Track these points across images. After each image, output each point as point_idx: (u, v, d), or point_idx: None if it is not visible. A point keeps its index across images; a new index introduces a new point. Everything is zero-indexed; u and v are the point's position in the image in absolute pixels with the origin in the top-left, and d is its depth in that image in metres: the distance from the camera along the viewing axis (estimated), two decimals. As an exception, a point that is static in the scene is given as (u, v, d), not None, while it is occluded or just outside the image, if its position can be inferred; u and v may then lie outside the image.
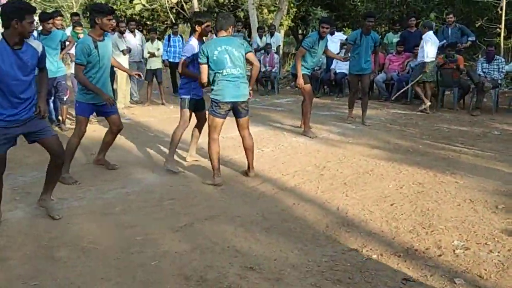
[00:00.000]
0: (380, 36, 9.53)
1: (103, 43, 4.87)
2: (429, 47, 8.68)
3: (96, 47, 4.77)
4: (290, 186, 4.82)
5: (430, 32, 8.89)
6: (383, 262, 3.26)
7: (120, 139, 6.76)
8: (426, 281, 3.00)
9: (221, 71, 4.69)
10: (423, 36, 8.81)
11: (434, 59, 8.87)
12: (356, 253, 3.40)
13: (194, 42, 5.19)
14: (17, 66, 3.56)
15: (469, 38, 10.00)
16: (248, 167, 5.10)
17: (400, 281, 2.99)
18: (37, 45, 3.75)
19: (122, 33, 9.23)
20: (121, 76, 9.13)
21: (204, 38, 5.38)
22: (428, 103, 8.78)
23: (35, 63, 3.71)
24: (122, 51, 8.84)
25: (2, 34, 3.57)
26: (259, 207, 4.24)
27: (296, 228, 3.82)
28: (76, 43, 5.43)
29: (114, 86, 9.14)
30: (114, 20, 5.01)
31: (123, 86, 9.36)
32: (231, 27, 4.84)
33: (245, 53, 4.80)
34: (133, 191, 4.63)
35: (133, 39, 9.87)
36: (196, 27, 5.18)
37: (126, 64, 9.14)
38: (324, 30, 6.78)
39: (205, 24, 5.14)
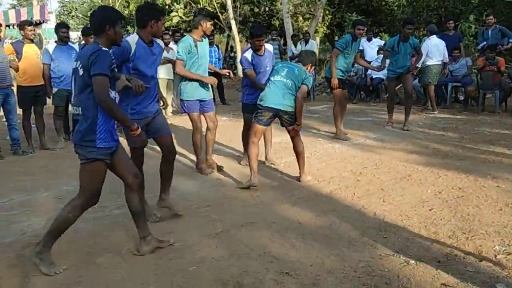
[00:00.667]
0: (418, 40, 9.44)
1: (202, 44, 5.22)
2: (432, 51, 9.14)
3: (196, 46, 5.11)
4: (326, 192, 4.82)
5: (433, 37, 9.34)
6: (421, 267, 3.21)
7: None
8: (466, 287, 2.93)
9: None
10: (426, 41, 9.17)
11: (438, 62, 9.29)
12: (393, 258, 3.36)
13: (248, 53, 5.66)
14: (151, 62, 3.94)
15: (510, 40, 9.69)
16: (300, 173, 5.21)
17: (439, 287, 2.94)
18: (159, 41, 4.14)
19: (166, 44, 9.46)
20: (162, 85, 9.31)
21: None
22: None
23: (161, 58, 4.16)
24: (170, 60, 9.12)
25: (137, 33, 3.89)
26: (295, 213, 4.25)
27: (332, 234, 3.81)
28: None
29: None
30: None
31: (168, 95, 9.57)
32: (310, 66, 5.19)
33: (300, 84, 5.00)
34: (170, 198, 4.71)
35: None
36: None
37: (171, 74, 9.38)
38: (360, 31, 6.78)
39: (258, 39, 5.51)
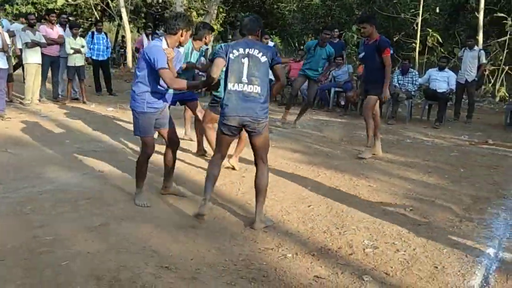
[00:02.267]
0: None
1: (197, 54, 5.78)
2: None
3: (191, 53, 5.65)
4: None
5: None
6: (297, 261, 3.34)
7: (34, 136, 6.48)
8: (336, 278, 3.11)
9: None
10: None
11: None
12: (272, 252, 3.46)
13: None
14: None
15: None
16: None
17: (313, 279, 3.09)
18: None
19: (32, 26, 8.81)
20: (31, 72, 8.62)
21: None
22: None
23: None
24: (26, 43, 8.49)
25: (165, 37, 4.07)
26: (178, 208, 4.21)
27: (215, 228, 3.83)
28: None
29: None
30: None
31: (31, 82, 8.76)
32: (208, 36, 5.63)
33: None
34: (45, 190, 4.42)
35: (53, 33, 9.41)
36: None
37: (38, 57, 8.68)
38: (326, 36, 7.47)
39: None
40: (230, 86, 3.75)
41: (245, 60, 3.76)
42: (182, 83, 4.09)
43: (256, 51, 3.78)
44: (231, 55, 3.77)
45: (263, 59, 3.78)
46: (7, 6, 16.32)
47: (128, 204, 4.23)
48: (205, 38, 5.65)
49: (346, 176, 5.39)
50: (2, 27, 7.52)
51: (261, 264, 3.26)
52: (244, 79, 3.74)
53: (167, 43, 4.02)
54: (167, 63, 3.94)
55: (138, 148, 6.15)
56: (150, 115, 4.10)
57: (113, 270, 3.03)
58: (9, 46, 7.97)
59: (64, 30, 9.75)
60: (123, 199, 4.33)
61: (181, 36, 4.03)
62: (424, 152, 6.82)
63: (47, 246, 3.31)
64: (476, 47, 9.88)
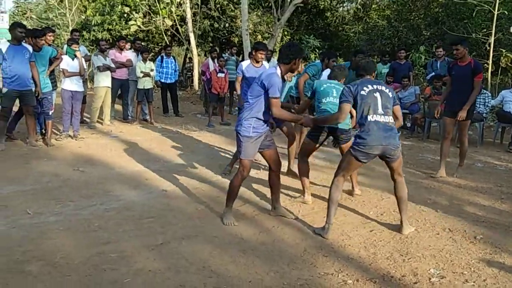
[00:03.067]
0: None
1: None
2: None
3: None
4: (271, 208, 4.80)
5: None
6: (358, 287, 3.23)
7: (104, 155, 6.76)
8: (399, 308, 2.98)
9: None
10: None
11: None
12: (332, 277, 3.38)
13: (245, 63, 6.56)
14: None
15: (458, 72, 10.14)
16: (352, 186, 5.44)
17: (374, 307, 2.97)
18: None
19: (103, 51, 9.30)
20: (100, 94, 9.04)
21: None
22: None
23: None
24: (98, 67, 8.93)
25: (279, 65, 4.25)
26: (238, 229, 4.21)
27: (274, 251, 3.80)
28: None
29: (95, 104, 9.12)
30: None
31: (98, 105, 9.16)
32: (343, 79, 5.39)
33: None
34: (112, 208, 4.59)
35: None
36: (253, 52, 6.38)
37: (108, 81, 9.12)
38: (331, 63, 6.88)
39: (261, 52, 6.30)
40: (369, 117, 4.02)
41: (377, 95, 4.10)
42: (287, 115, 4.41)
43: (384, 87, 4.19)
44: (362, 92, 4.08)
45: (391, 94, 4.18)
46: (84, 33, 17.37)
47: (189, 223, 4.29)
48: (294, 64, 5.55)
49: (411, 201, 5.18)
50: (80, 52, 8.01)
51: (320, 290, 3.18)
52: (380, 111, 4.05)
53: (281, 71, 4.22)
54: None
55: (200, 168, 6.28)
56: (254, 139, 4.25)
57: (172, 289, 3.07)
58: (86, 70, 8.46)
59: (137, 56, 10.22)
60: (185, 218, 4.41)
61: (294, 64, 4.23)
62: (497, 177, 6.45)
63: (111, 263, 3.41)
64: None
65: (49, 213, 4.38)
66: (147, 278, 3.22)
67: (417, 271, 3.50)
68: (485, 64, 12.62)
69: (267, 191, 5.33)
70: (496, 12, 12.01)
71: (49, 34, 7.66)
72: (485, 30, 13.03)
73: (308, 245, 3.92)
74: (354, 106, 4.15)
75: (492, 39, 12.26)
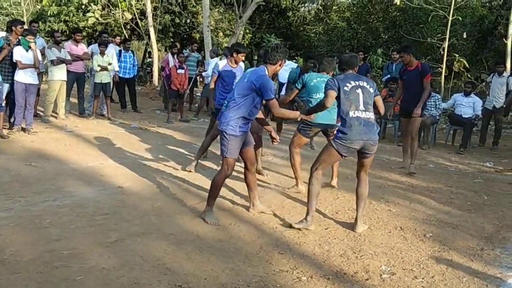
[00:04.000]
0: None
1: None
2: None
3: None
4: (228, 206, 4.82)
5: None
6: (312, 284, 3.30)
7: (58, 150, 6.59)
8: (351, 304, 3.05)
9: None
10: None
11: None
12: (286, 274, 3.42)
13: (222, 62, 6.54)
14: None
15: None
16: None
17: (326, 303, 3.03)
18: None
19: (58, 43, 9.04)
20: (55, 88, 8.78)
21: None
22: None
23: None
24: (52, 61, 8.69)
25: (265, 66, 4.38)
26: (195, 226, 4.20)
27: (230, 248, 3.81)
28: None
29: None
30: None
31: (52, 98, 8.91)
32: (332, 71, 5.54)
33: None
34: (64, 204, 4.48)
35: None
36: (234, 54, 6.31)
37: (63, 74, 8.87)
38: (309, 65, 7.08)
39: (242, 55, 6.31)
40: (351, 113, 4.14)
41: (359, 91, 4.23)
42: (288, 113, 4.66)
43: (365, 83, 4.31)
44: (345, 88, 4.20)
45: (372, 90, 4.31)
46: (40, 23, 16.83)
47: (145, 220, 4.25)
48: (278, 63, 5.51)
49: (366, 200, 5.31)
50: (35, 44, 7.74)
51: (275, 286, 3.23)
52: (362, 107, 4.18)
53: (267, 71, 4.32)
54: None
55: (157, 165, 6.21)
56: (240, 138, 4.29)
57: (126, 286, 3.04)
58: (41, 62, 8.19)
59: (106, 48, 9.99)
60: (140, 215, 4.36)
61: (279, 65, 4.38)
62: (447, 178, 6.68)
63: (63, 260, 3.34)
64: (505, 73, 9.72)
65: (-2, 208, 4.23)
66: (100, 276, 3.16)
67: (369, 268, 3.59)
68: (439, 68, 13.06)
69: (224, 189, 5.33)
70: (450, 18, 12.42)
71: (19, 27, 7.43)
72: (440, 35, 13.49)
73: (264, 243, 3.95)
74: (337, 99, 4.26)
75: (446, 44, 12.68)
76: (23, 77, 7.45)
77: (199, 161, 6.23)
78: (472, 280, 3.46)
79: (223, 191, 5.23)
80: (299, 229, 4.22)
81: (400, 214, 4.90)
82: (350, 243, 4.04)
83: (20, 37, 7.47)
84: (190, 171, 5.98)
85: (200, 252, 3.67)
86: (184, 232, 4.05)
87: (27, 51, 7.48)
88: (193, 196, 5.06)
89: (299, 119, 4.74)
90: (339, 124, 4.35)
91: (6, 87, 7.38)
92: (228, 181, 5.63)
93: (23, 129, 7.58)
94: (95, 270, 3.24)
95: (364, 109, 4.20)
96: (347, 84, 4.22)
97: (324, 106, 4.34)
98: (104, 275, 3.17)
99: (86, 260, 3.37)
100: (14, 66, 7.41)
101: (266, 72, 4.30)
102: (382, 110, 4.55)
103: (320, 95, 5.13)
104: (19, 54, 7.39)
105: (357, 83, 4.27)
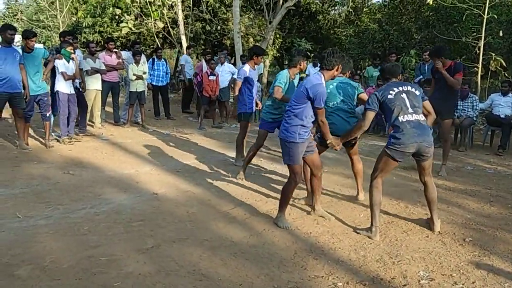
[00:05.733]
0: (362, 70, 9.73)
1: (293, 81, 5.82)
2: None
3: (288, 81, 5.75)
4: (262, 211, 4.81)
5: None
6: (347, 290, 3.25)
7: (95, 158, 6.74)
8: (388, 311, 2.99)
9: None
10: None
11: None
12: (322, 280, 3.39)
13: (246, 67, 6.56)
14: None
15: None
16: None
17: (363, 310, 2.98)
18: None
19: (93, 54, 9.25)
20: (90, 97, 8.97)
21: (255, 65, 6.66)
22: None
23: None
24: (86, 71, 8.87)
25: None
26: (229, 232, 4.21)
27: (265, 253, 3.80)
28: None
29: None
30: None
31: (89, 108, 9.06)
32: (349, 71, 5.37)
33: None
34: (101, 211, 4.57)
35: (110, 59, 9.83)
36: (254, 57, 6.53)
37: (98, 84, 9.07)
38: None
39: (261, 57, 6.64)
40: (400, 118, 4.14)
41: (404, 96, 4.22)
42: (326, 131, 4.55)
43: (410, 87, 4.29)
44: (389, 96, 4.21)
45: (418, 93, 4.28)
46: (74, 34, 17.30)
47: (180, 226, 4.29)
48: (300, 65, 5.67)
49: (402, 204, 5.22)
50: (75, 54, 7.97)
51: (310, 292, 3.19)
52: (410, 110, 4.17)
53: (324, 77, 4.31)
54: None
55: (191, 171, 6.27)
56: (301, 145, 4.32)
57: (162, 292, 3.07)
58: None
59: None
60: (175, 222, 4.40)
61: (336, 70, 4.35)
62: (486, 180, 6.50)
63: (101, 266, 3.40)
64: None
65: (38, 216, 4.35)
66: (137, 281, 3.21)
67: (406, 273, 3.52)
68: (475, 68, 12.73)
69: (257, 195, 5.35)
70: (485, 16, 12.10)
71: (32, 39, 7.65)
72: (475, 34, 13.13)
73: (298, 248, 3.93)
74: (382, 111, 4.28)
75: (481, 43, 12.35)
76: (65, 88, 7.65)
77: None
78: (515, 286, 3.35)
79: (258, 197, 5.25)
80: (362, 234, 4.26)
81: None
82: (387, 248, 3.98)
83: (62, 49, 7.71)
84: (241, 179, 5.99)
85: (235, 258, 3.67)
86: (218, 238, 4.07)
87: (68, 62, 7.69)
88: (227, 202, 5.08)
89: (329, 145, 4.73)
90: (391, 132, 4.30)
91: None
92: (262, 186, 5.66)
93: (74, 138, 7.82)
94: (132, 276, 3.29)
95: (412, 111, 4.17)
96: (391, 92, 4.22)
97: (362, 128, 4.40)
98: (140, 281, 3.22)
99: (123, 266, 3.42)
100: (54, 77, 7.67)
101: (322, 79, 4.27)
102: (433, 114, 4.49)
103: (336, 103, 5.03)
104: (64, 65, 7.60)
105: (400, 88, 4.26)
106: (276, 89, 5.65)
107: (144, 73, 10.00)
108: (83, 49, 15.02)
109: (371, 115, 4.30)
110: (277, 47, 18.08)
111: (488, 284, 3.39)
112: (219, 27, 18.13)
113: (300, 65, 5.66)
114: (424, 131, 4.14)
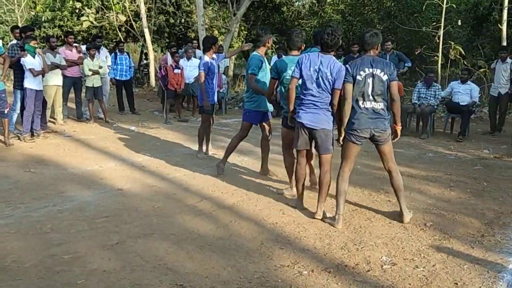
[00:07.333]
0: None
1: (265, 60, 5.62)
2: None
3: (263, 62, 5.52)
4: (229, 204, 4.82)
5: None
6: (313, 278, 3.30)
7: (57, 155, 6.61)
8: (352, 296, 3.06)
9: None
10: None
11: None
12: (288, 269, 3.43)
13: (207, 58, 6.50)
14: None
15: (406, 64, 10.49)
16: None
17: (328, 296, 3.04)
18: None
19: (53, 48, 9.03)
20: (50, 93, 8.78)
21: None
22: None
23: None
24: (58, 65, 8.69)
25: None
26: (195, 225, 4.21)
27: (231, 245, 3.82)
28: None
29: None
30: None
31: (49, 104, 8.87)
32: (303, 46, 5.17)
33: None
34: (65, 208, 4.50)
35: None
36: (212, 46, 6.59)
37: (58, 79, 8.88)
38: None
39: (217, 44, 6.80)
40: (360, 103, 4.22)
41: (370, 81, 4.20)
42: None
43: (379, 71, 4.20)
44: (358, 77, 4.19)
45: (385, 77, 4.21)
46: (35, 29, 16.82)
47: (145, 221, 4.26)
48: (268, 43, 5.54)
49: (365, 191, 5.33)
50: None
51: (277, 282, 3.23)
52: (370, 97, 4.21)
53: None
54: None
55: (156, 166, 6.22)
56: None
57: (128, 288, 3.05)
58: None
59: (99, 53, 10.01)
60: (141, 217, 4.37)
61: (267, 44, 5.20)
62: (446, 166, 6.69)
63: (64, 264, 3.35)
64: (508, 59, 9.61)
65: (-2, 216, 4.25)
66: (102, 278, 3.18)
67: (369, 259, 3.60)
68: (435, 57, 13.04)
69: (224, 187, 5.35)
70: (445, 6, 12.40)
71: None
72: (435, 23, 13.44)
73: (265, 239, 3.96)
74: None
75: (441, 32, 12.66)
76: (33, 84, 7.45)
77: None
78: (473, 267, 3.47)
79: (224, 189, 5.25)
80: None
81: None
82: (351, 235, 4.05)
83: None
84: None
85: (201, 251, 3.68)
86: (185, 231, 4.06)
87: (34, 57, 7.48)
88: (193, 195, 5.07)
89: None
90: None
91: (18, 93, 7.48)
92: (228, 179, 5.66)
93: (32, 134, 7.61)
94: (96, 273, 3.25)
95: (372, 99, 4.22)
96: (361, 73, 4.19)
97: (347, 102, 4.25)
98: (105, 278, 3.18)
99: (87, 263, 3.38)
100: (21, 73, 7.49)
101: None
102: (395, 96, 4.28)
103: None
104: (31, 62, 7.39)
105: (371, 70, 4.19)
106: (250, 77, 5.44)
107: (100, 67, 9.75)
108: (43, 44, 14.65)
109: (350, 87, 4.24)
110: (242, 39, 18.06)
111: (448, 266, 3.50)
112: (183, 20, 17.97)
113: (268, 43, 5.52)
114: (378, 118, 4.23)
